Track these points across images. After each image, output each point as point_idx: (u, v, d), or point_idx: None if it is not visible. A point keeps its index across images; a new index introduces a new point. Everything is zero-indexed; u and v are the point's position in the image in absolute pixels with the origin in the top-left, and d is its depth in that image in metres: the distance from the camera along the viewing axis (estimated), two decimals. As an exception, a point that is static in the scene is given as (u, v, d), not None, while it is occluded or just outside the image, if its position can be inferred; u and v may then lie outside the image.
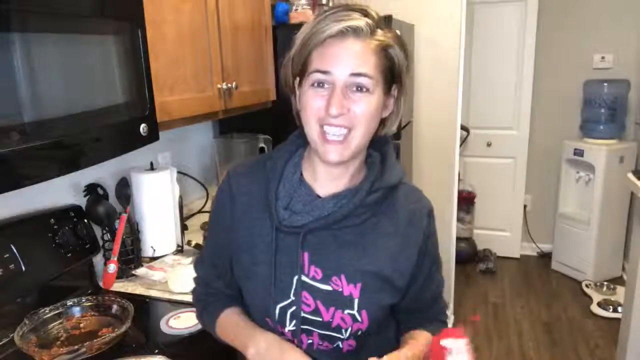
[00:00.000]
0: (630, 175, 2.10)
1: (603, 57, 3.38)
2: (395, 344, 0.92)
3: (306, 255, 0.83)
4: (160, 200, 1.53)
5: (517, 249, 3.81)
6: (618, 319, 2.42)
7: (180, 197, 1.65)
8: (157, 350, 1.06)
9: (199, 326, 1.15)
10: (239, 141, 2.03)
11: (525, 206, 3.78)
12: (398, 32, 0.81)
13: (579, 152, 3.32)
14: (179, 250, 1.62)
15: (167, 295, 1.33)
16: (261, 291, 0.85)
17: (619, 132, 3.31)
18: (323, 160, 0.80)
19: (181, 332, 1.14)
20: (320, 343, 0.86)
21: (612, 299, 3.06)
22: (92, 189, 1.39)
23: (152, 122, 1.18)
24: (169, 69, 1.29)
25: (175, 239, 1.60)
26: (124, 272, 1.43)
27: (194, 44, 1.41)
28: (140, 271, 1.44)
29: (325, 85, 0.76)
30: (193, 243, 1.69)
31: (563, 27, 3.43)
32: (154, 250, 1.52)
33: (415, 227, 0.87)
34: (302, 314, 0.83)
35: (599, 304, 3.03)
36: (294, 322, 0.84)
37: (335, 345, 0.86)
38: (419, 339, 0.89)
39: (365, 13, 0.77)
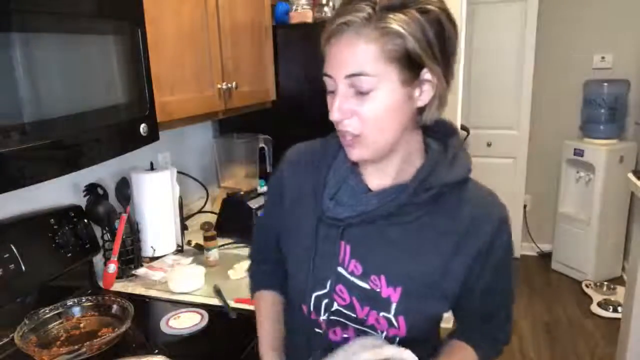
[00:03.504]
0: (630, 175, 2.10)
1: (603, 57, 3.38)
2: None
3: (348, 248, 0.79)
4: (160, 200, 1.53)
5: (517, 249, 3.81)
6: (618, 319, 2.42)
7: (180, 197, 1.65)
8: (157, 350, 1.06)
9: (199, 326, 1.15)
10: (239, 141, 2.03)
11: (525, 206, 3.77)
12: (432, 7, 0.68)
13: (579, 152, 3.31)
14: (179, 250, 1.62)
15: (167, 295, 1.33)
16: (300, 277, 0.84)
17: (619, 132, 3.31)
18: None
19: (181, 332, 1.14)
20: None
21: (612, 299, 3.05)
22: (92, 189, 1.39)
23: (152, 122, 1.18)
24: (169, 69, 1.29)
25: (175, 239, 1.59)
26: (124, 272, 1.43)
27: (194, 44, 1.41)
28: (140, 271, 1.44)
29: (333, 90, 0.72)
30: (193, 243, 1.69)
31: (563, 27, 3.43)
32: (154, 250, 1.52)
33: (477, 232, 0.76)
34: (337, 307, 0.80)
35: (599, 304, 3.03)
36: (327, 313, 0.81)
37: None
38: (452, 357, 0.84)
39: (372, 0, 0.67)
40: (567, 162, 3.45)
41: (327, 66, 0.71)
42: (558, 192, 3.54)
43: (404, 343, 0.78)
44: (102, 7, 1.01)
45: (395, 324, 0.77)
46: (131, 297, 1.31)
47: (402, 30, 0.66)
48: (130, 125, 1.11)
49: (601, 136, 3.27)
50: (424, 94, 0.72)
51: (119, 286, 1.39)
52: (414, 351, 0.77)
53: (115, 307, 1.17)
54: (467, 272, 0.77)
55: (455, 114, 2.57)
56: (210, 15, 1.47)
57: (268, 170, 2.06)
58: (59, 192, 1.35)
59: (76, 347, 0.99)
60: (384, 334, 0.78)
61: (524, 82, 3.54)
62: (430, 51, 0.68)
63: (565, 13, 3.41)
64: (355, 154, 0.75)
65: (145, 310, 1.28)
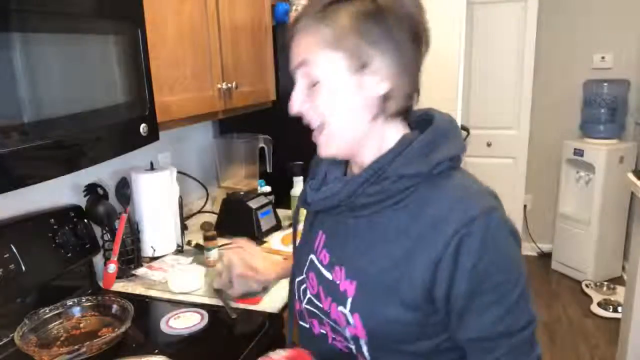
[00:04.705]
0: (630, 175, 2.10)
1: (603, 57, 3.38)
2: None
3: (323, 237, 0.82)
4: (160, 200, 1.53)
5: (517, 249, 3.81)
6: (618, 319, 2.42)
7: (180, 197, 1.65)
8: (157, 350, 1.06)
9: (199, 326, 1.15)
10: (239, 141, 2.03)
11: (525, 206, 3.77)
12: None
13: (579, 152, 3.32)
14: (179, 250, 1.62)
15: (167, 295, 1.33)
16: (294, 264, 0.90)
17: (619, 132, 3.31)
18: None
19: (181, 332, 1.14)
20: (334, 337, 0.79)
21: (612, 299, 3.06)
22: (92, 189, 1.39)
23: (152, 122, 1.18)
24: (169, 69, 1.29)
25: (175, 239, 1.59)
26: (124, 272, 1.43)
27: (194, 44, 1.41)
28: (140, 271, 1.44)
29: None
30: (193, 243, 1.69)
31: (563, 27, 3.43)
32: (154, 250, 1.52)
33: (435, 234, 0.67)
34: (309, 295, 0.82)
35: (599, 304, 3.03)
36: (305, 300, 0.83)
37: (347, 347, 0.77)
38: None
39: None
40: (567, 162, 3.45)
41: None
42: (558, 192, 3.54)
43: (373, 351, 0.73)
44: (102, 7, 1.01)
45: (351, 321, 0.73)
46: (131, 297, 1.30)
47: (341, 19, 0.67)
48: (130, 125, 1.11)
49: (601, 136, 3.27)
50: (380, 83, 0.70)
51: (119, 286, 1.39)
52: None
53: (115, 307, 1.17)
54: (429, 278, 0.67)
55: (455, 114, 2.58)
56: (210, 15, 1.47)
57: (268, 170, 2.06)
58: (59, 192, 1.35)
59: (76, 347, 0.99)
60: (347, 331, 0.75)
61: (524, 82, 3.54)
62: (372, 39, 0.67)
63: (565, 13, 3.41)
64: (322, 149, 0.75)
65: (145, 310, 1.28)
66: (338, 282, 0.76)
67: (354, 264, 0.75)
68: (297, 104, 0.72)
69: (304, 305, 0.84)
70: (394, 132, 0.75)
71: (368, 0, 0.67)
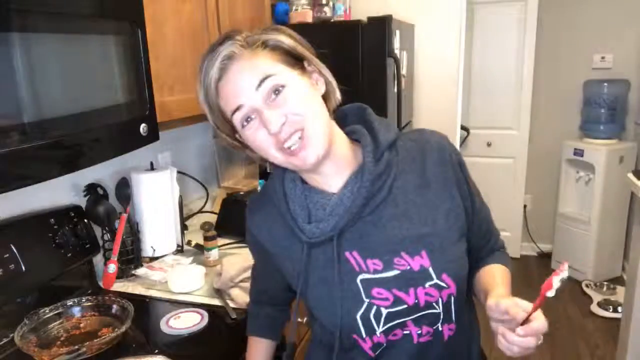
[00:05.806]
0: (630, 175, 2.10)
1: (603, 57, 3.38)
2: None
3: (356, 253, 0.79)
4: (160, 200, 1.53)
5: (517, 249, 3.81)
6: (618, 319, 2.42)
7: (180, 197, 1.65)
8: (157, 350, 1.07)
9: (199, 326, 1.16)
10: (239, 141, 2.03)
11: (525, 206, 3.77)
12: (274, 25, 0.82)
13: (579, 152, 3.32)
14: (179, 250, 1.62)
15: (167, 295, 1.33)
16: (333, 311, 0.80)
17: (619, 132, 3.31)
18: (306, 169, 0.78)
19: (181, 332, 1.14)
20: (420, 332, 0.80)
21: (612, 299, 3.06)
22: (92, 189, 1.39)
23: (152, 122, 1.18)
24: (169, 69, 1.29)
25: (175, 239, 1.60)
26: (124, 272, 1.43)
27: (194, 44, 1.41)
28: (140, 271, 1.45)
29: (251, 117, 0.74)
30: (193, 243, 1.69)
31: (563, 27, 3.43)
32: (154, 250, 1.53)
33: (442, 163, 0.82)
34: (385, 311, 0.78)
35: (599, 304, 3.03)
36: (381, 323, 0.79)
37: (435, 329, 0.81)
38: (500, 277, 0.85)
39: (228, 36, 0.76)
40: (567, 162, 3.45)
41: (231, 103, 0.74)
42: (558, 192, 3.54)
43: (459, 303, 0.81)
44: (102, 7, 1.01)
45: (444, 284, 0.78)
46: (131, 297, 1.31)
47: (272, 36, 0.76)
48: (130, 125, 1.11)
49: (601, 136, 3.27)
50: (319, 82, 0.79)
51: (119, 286, 1.39)
52: (469, 317, 0.87)
53: (115, 307, 1.17)
54: (459, 201, 0.82)
55: (455, 114, 2.57)
56: (210, 15, 1.47)
57: (268, 170, 2.06)
58: (59, 192, 1.35)
59: (76, 347, 0.99)
60: (440, 301, 0.78)
61: (524, 82, 3.54)
62: (296, 45, 0.77)
63: (565, 13, 3.41)
64: (310, 154, 0.74)
65: (145, 310, 1.28)
66: (408, 267, 0.78)
67: (409, 241, 0.78)
68: (277, 119, 0.72)
69: (379, 332, 0.79)
70: (337, 127, 0.82)
71: (273, 27, 0.79)
